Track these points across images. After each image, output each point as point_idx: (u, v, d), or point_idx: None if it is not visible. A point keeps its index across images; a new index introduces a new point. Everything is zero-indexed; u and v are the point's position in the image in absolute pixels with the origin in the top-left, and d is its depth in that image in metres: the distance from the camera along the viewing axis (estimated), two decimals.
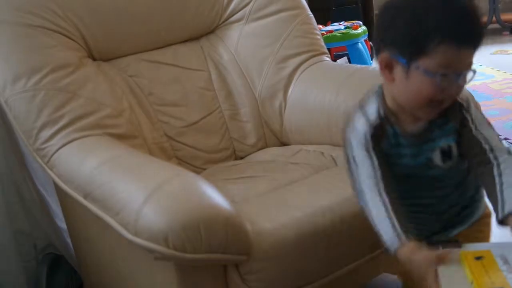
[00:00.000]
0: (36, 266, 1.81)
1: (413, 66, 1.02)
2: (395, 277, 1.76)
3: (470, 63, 1.03)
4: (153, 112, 1.77)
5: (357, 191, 1.12)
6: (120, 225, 1.25)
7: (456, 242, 1.11)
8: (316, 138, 1.79)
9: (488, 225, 1.26)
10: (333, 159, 1.66)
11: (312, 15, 2.03)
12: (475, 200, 1.23)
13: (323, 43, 1.99)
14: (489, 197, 1.09)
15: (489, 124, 1.14)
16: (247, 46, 1.95)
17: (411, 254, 1.03)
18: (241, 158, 1.86)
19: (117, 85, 1.73)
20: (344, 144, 1.16)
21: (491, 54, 4.54)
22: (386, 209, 1.07)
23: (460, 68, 1.02)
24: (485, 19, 5.08)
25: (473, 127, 1.11)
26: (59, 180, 1.48)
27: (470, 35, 1.01)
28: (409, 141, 1.12)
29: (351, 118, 1.14)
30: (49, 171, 1.52)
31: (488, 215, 1.25)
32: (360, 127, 1.11)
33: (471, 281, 0.98)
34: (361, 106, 1.14)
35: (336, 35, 3.90)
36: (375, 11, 4.94)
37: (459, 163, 1.14)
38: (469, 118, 1.11)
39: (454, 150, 1.12)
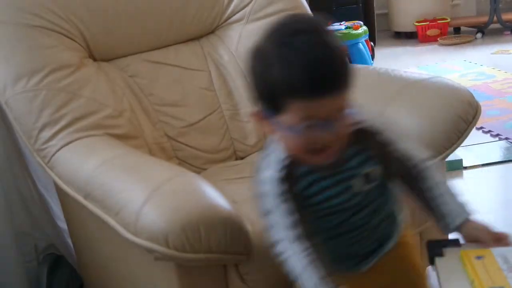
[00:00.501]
0: (37, 267, 1.81)
1: (275, 122, 0.96)
2: None
3: (341, 107, 0.93)
4: (154, 112, 1.77)
5: (276, 242, 1.05)
6: (120, 225, 1.24)
7: (456, 242, 1.11)
8: None
9: (408, 245, 1.23)
10: None
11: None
12: (396, 219, 1.19)
13: None
14: (427, 211, 1.09)
15: (407, 137, 1.11)
16: (248, 46, 1.90)
17: None
18: (242, 158, 1.86)
19: (117, 86, 1.73)
20: (257, 199, 1.06)
21: (492, 54, 4.54)
22: (309, 262, 1.01)
23: (327, 116, 0.92)
24: (486, 19, 5.09)
25: (393, 148, 1.07)
26: (60, 180, 1.48)
27: (324, 84, 0.90)
28: (325, 173, 1.04)
29: (257, 171, 1.06)
30: (49, 172, 1.52)
31: (406, 235, 1.22)
32: (269, 177, 1.03)
33: (472, 280, 0.98)
34: (265, 156, 1.06)
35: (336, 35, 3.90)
36: (376, 11, 4.95)
37: (380, 185, 1.10)
38: (386, 141, 1.07)
39: (377, 173, 1.08)
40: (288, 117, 0.93)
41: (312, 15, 1.04)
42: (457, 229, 1.07)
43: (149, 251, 1.18)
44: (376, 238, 1.15)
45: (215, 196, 1.25)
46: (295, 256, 1.02)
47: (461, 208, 1.08)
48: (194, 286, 1.28)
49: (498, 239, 1.05)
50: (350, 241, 1.12)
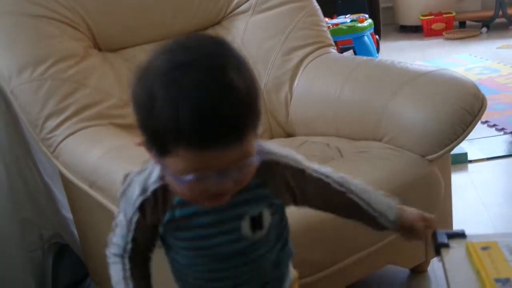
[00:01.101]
0: (42, 256, 1.81)
1: (161, 163, 0.81)
2: (400, 268, 1.76)
3: (240, 157, 0.77)
4: None
5: (111, 242, 0.98)
6: None
7: (462, 233, 1.10)
8: (321, 129, 1.78)
9: None
10: (339, 150, 1.64)
11: (318, 7, 2.01)
12: (284, 274, 1.05)
13: (329, 35, 1.98)
14: (359, 220, 1.03)
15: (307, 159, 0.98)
16: (253, 37, 1.94)
17: None
18: None
19: (122, 76, 1.73)
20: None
21: (497, 48, 4.51)
22: (127, 277, 0.96)
23: (220, 169, 0.77)
24: (491, 13, 5.07)
25: (305, 173, 0.95)
26: (65, 169, 1.49)
27: (216, 136, 0.74)
28: (204, 208, 0.87)
29: (127, 182, 0.93)
30: (54, 161, 1.52)
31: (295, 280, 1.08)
32: (134, 196, 0.90)
33: (477, 271, 0.97)
34: (141, 171, 0.92)
35: (342, 28, 3.88)
36: (381, 5, 4.93)
37: (269, 234, 0.95)
38: (295, 171, 0.94)
39: (266, 219, 0.93)
40: (175, 164, 0.77)
41: (218, 39, 0.84)
42: (396, 220, 1.02)
43: None
44: None
45: None
46: (119, 265, 0.97)
47: (391, 201, 1.03)
48: None
49: (428, 222, 1.03)
50: None
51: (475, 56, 4.31)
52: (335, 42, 2.21)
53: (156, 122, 0.75)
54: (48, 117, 1.53)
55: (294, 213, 1.30)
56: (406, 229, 1.03)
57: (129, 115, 1.62)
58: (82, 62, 1.63)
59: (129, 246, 0.95)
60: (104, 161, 1.36)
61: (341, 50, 3.99)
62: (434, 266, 1.79)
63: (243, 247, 0.93)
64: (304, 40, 1.91)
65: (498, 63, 4.05)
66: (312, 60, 1.88)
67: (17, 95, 1.56)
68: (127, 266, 0.97)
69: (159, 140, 0.77)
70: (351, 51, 3.99)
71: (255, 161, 0.81)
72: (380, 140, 1.60)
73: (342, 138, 1.68)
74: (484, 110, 1.56)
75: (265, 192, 0.92)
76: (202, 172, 0.76)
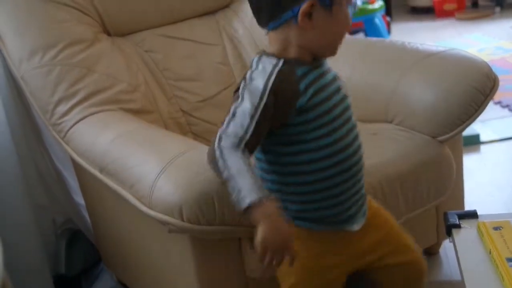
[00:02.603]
0: (55, 241, 1.82)
1: (336, 3, 1.02)
2: None
3: None
4: (169, 87, 1.76)
5: (225, 133, 1.01)
6: (135, 198, 1.25)
7: (474, 213, 1.09)
8: None
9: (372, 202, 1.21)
10: None
11: None
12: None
13: None
14: None
15: None
16: None
17: (272, 218, 0.94)
18: None
19: (132, 60, 1.73)
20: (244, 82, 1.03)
21: (511, 27, 4.45)
22: (247, 168, 0.97)
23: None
24: None
25: None
26: (75, 154, 1.49)
27: None
28: (329, 79, 1.08)
29: (247, 79, 1.03)
30: (65, 146, 1.52)
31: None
32: (260, 84, 1.00)
33: (489, 251, 0.97)
34: (257, 68, 1.03)
35: None
36: None
37: None
38: None
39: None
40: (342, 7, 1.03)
41: None
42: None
43: (163, 223, 1.18)
44: (359, 189, 1.11)
45: None
46: (235, 157, 0.98)
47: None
48: (208, 259, 1.28)
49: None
50: (340, 186, 1.08)
51: (488, 36, 4.25)
52: None
53: None
54: (58, 103, 1.53)
55: None
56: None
57: (139, 99, 1.63)
58: (91, 47, 1.63)
59: (247, 135, 0.99)
60: (114, 146, 1.36)
61: (352, 33, 3.96)
62: (446, 247, 1.78)
63: (347, 106, 1.10)
64: None
65: (511, 42, 4.00)
66: None
67: (27, 80, 1.56)
68: (244, 155, 0.99)
69: None
70: (361, 34, 3.96)
71: None
72: (391, 122, 1.59)
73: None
74: (496, 89, 1.54)
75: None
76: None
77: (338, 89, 1.08)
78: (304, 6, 1.00)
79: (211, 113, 1.79)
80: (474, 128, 2.53)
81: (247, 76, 1.03)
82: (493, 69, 1.58)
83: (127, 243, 1.58)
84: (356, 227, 1.13)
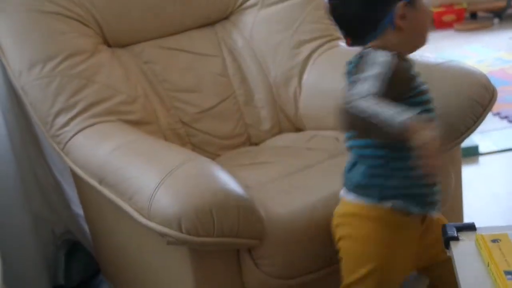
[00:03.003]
0: (54, 251, 1.84)
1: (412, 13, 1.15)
2: None
3: None
4: (168, 98, 1.77)
5: (361, 92, 1.04)
6: (134, 210, 1.26)
7: (472, 225, 1.10)
8: (331, 123, 1.77)
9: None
10: None
11: (326, 0, 2.00)
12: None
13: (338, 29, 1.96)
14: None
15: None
16: (262, 31, 1.93)
17: (424, 127, 0.99)
18: (256, 144, 1.86)
19: (131, 72, 1.74)
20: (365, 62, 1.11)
21: (509, 39, 4.48)
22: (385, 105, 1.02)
23: None
24: (503, 3, 5.02)
25: None
26: (75, 166, 1.50)
27: None
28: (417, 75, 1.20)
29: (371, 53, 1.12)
30: (64, 157, 1.54)
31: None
32: (380, 57, 1.10)
33: (487, 263, 0.97)
34: (370, 51, 1.14)
35: None
36: None
37: None
38: None
39: None
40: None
41: None
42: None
43: (162, 235, 1.19)
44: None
45: (227, 181, 1.25)
46: (372, 101, 1.02)
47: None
48: (207, 270, 1.29)
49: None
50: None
51: (487, 48, 4.28)
52: None
53: None
54: (57, 114, 1.54)
55: (301, 209, 1.32)
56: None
57: (138, 111, 1.65)
58: (91, 58, 1.64)
59: (378, 93, 1.04)
60: (113, 157, 1.37)
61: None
62: None
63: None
64: (312, 33, 1.90)
65: (510, 54, 4.02)
66: (321, 54, 1.88)
67: (27, 91, 1.58)
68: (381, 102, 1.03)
69: None
70: None
71: None
72: None
73: None
74: (495, 101, 1.55)
75: None
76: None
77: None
78: (398, 10, 1.13)
79: (210, 124, 1.80)
80: (473, 139, 2.54)
81: (363, 60, 1.12)
82: (492, 80, 1.59)
83: (126, 255, 1.59)
84: (435, 214, 1.22)
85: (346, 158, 1.55)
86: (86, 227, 1.85)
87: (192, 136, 1.77)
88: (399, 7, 1.13)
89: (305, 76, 1.88)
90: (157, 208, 1.19)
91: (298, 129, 1.89)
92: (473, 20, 5.28)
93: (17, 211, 1.70)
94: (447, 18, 5.11)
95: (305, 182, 1.44)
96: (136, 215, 1.25)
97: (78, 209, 1.86)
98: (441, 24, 5.11)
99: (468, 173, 2.29)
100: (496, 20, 5.07)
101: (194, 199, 1.17)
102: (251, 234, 1.23)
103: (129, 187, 1.28)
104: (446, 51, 4.34)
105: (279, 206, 1.33)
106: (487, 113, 1.53)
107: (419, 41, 1.22)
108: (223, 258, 1.28)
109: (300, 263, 1.32)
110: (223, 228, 1.17)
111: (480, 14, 5.36)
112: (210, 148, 1.78)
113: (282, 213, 1.31)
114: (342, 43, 1.95)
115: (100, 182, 1.38)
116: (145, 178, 1.26)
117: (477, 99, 1.50)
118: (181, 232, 1.16)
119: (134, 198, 1.26)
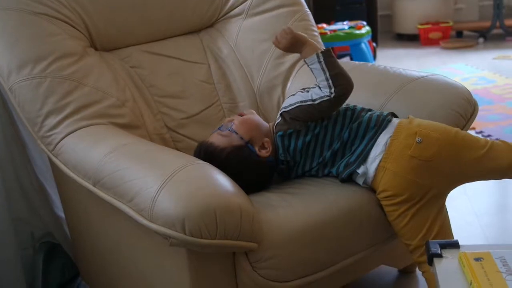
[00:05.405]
0: (33, 254, 1.87)
1: None
2: (389, 269, 1.82)
3: None
4: (154, 103, 1.84)
5: None
6: (135, 211, 1.29)
7: (455, 243, 1.13)
8: None
9: None
10: None
11: (309, 12, 2.10)
12: None
13: (320, 40, 2.04)
14: None
15: None
16: (246, 40, 2.02)
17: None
18: None
19: (119, 75, 1.80)
20: None
21: (493, 59, 4.63)
22: None
23: None
24: (488, 24, 5.18)
25: None
26: (66, 167, 1.52)
27: None
28: None
29: None
30: (54, 159, 1.56)
31: None
32: None
33: (470, 282, 1.00)
34: None
35: (339, 35, 3.95)
36: (379, 13, 5.02)
37: None
38: None
39: None
40: None
41: None
42: None
43: (165, 236, 1.23)
44: None
45: (229, 184, 1.31)
46: None
47: None
48: (204, 273, 1.33)
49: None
50: None
51: (471, 66, 4.42)
52: (332, 48, 2.30)
53: None
54: (48, 115, 1.57)
55: (298, 214, 1.39)
56: None
57: (127, 114, 1.69)
58: (81, 61, 1.69)
59: None
60: (109, 159, 1.40)
61: (338, 57, 4.08)
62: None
63: None
64: None
65: (494, 73, 4.17)
66: (304, 64, 1.95)
67: (16, 92, 1.60)
68: None
69: None
70: (347, 58, 4.07)
71: None
72: None
73: None
74: (476, 115, 1.64)
75: None
76: None
77: None
78: None
79: (195, 130, 1.86)
80: None
81: None
82: (476, 99, 1.68)
83: (111, 257, 1.63)
84: None
85: None
86: (67, 230, 1.89)
87: (178, 141, 1.84)
88: None
89: (288, 85, 1.96)
90: (160, 210, 1.22)
91: None
92: (458, 38, 5.44)
93: None
94: (434, 35, 5.26)
95: (299, 188, 1.51)
96: (137, 217, 1.28)
97: (60, 212, 1.90)
98: (427, 41, 5.26)
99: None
100: (481, 40, 5.23)
101: (198, 201, 1.21)
102: (251, 237, 1.28)
103: (129, 189, 1.31)
104: (431, 67, 4.46)
105: (276, 210, 1.39)
106: (469, 126, 1.62)
107: None
108: (219, 260, 1.32)
109: (295, 267, 1.38)
110: (226, 230, 1.22)
111: (465, 33, 5.51)
112: None
113: (279, 217, 1.37)
114: None
115: (95, 184, 1.41)
116: (147, 179, 1.29)
117: (461, 111, 1.60)
118: (185, 233, 1.19)
119: (135, 200, 1.28)
